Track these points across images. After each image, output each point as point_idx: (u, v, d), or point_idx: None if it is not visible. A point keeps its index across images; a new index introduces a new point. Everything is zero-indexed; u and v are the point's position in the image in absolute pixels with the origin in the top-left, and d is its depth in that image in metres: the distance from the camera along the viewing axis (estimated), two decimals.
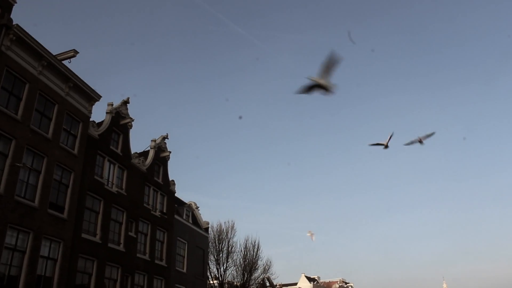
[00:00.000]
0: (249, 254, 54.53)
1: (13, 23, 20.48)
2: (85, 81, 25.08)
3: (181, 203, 39.74)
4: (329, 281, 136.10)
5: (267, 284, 69.81)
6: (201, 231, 40.84)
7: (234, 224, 53.66)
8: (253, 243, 55.43)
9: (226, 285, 54.31)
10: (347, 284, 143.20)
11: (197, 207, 43.12)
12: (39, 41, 21.84)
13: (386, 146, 14.89)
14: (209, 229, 43.95)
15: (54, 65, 23.00)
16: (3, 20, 20.09)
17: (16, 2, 21.08)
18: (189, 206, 40.68)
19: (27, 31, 21.10)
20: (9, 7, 20.71)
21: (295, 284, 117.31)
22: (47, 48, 22.31)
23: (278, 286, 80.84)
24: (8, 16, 20.45)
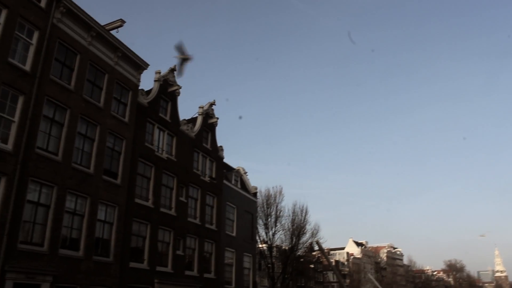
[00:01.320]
0: (297, 218, 55.15)
1: None
2: (132, 50, 25.55)
3: (229, 168, 40.35)
4: (377, 246, 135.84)
5: (315, 248, 70.45)
6: (249, 196, 41.46)
7: (282, 189, 54.24)
8: (301, 208, 55.95)
9: (275, 249, 55.26)
10: (395, 249, 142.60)
11: (245, 173, 43.64)
12: (88, 12, 22.35)
13: (186, 59, 12.68)
14: (257, 194, 44.50)
15: (103, 35, 23.51)
16: None
17: None
18: (237, 172, 41.26)
19: (76, 2, 21.62)
20: None
21: (343, 248, 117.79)
22: (95, 18, 22.81)
23: (326, 250, 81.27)
24: None
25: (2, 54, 17.83)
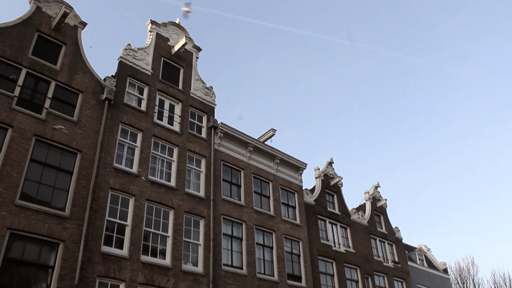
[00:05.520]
0: None
1: (218, 123, 23.32)
2: (288, 153, 26.74)
3: (410, 248, 38.46)
4: None
5: None
6: (440, 273, 38.63)
7: (473, 259, 49.78)
8: (503, 277, 50.30)
9: None
10: None
11: (428, 249, 41.19)
12: (240, 130, 24.36)
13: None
14: (447, 269, 41.31)
15: (259, 148, 25.16)
16: (210, 123, 23.13)
17: (216, 105, 24.11)
18: (420, 250, 39.11)
19: (229, 125, 23.78)
20: (212, 111, 23.83)
21: None
22: (248, 133, 24.71)
23: None
24: (213, 118, 23.44)
25: (181, 187, 20.07)
